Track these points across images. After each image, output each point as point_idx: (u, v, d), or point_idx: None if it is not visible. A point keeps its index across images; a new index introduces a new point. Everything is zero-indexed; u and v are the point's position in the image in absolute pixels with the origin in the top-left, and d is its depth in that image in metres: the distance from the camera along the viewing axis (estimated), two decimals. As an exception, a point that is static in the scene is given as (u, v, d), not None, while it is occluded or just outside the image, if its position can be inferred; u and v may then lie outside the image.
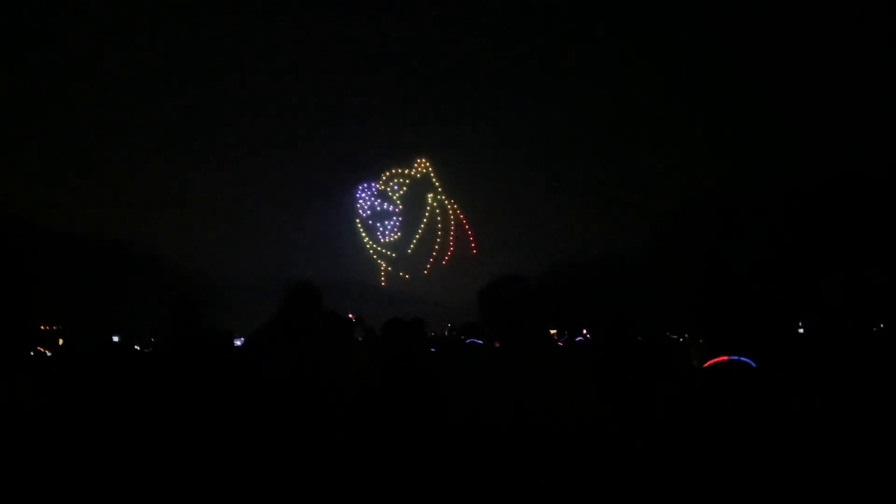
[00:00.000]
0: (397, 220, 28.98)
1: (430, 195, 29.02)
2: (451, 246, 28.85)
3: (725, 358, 2.01)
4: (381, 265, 29.03)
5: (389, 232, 28.99)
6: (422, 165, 28.98)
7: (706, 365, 2.08)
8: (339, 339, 3.46)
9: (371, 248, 28.95)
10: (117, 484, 2.54)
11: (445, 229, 29.03)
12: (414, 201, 28.87)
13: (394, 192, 28.93)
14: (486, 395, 2.04)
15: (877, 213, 18.81)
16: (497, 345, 2.27)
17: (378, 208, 28.94)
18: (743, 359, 1.98)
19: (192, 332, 3.34)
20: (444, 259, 28.87)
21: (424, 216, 28.93)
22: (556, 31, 25.32)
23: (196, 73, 24.44)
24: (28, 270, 16.49)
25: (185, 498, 2.50)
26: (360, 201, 28.93)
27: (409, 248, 28.99)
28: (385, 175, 28.89)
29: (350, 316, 6.25)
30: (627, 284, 18.94)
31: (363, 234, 28.98)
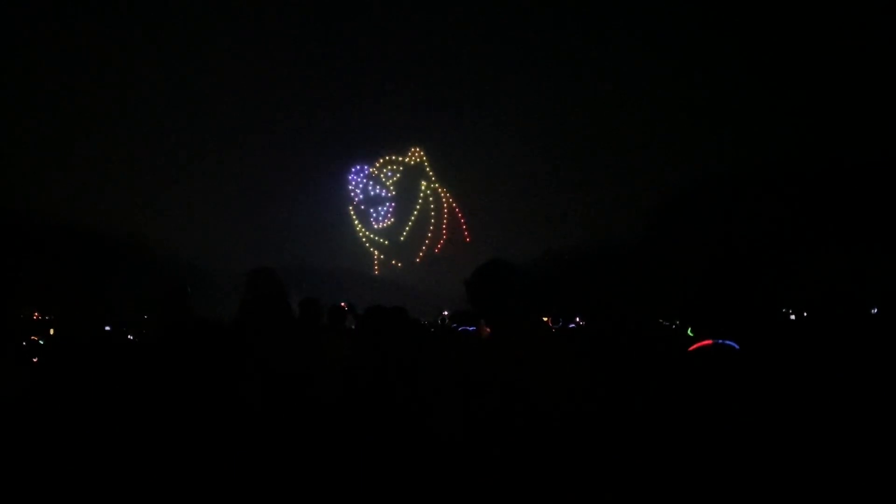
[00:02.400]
0: (390, 205, 28.87)
1: (424, 183, 28.92)
2: (445, 234, 28.82)
3: (710, 342, 2.04)
4: (374, 253, 28.98)
5: (383, 218, 28.89)
6: (416, 154, 28.84)
7: (690, 349, 2.10)
8: (316, 329, 3.41)
9: (364, 235, 28.88)
10: (106, 475, 2.53)
11: (438, 217, 28.97)
12: (407, 189, 28.78)
13: (387, 178, 28.79)
14: (474, 382, 2.05)
15: (871, 198, 18.84)
16: (487, 330, 2.28)
17: (371, 192, 28.79)
18: (727, 342, 2.00)
19: (182, 321, 3.31)
20: (436, 247, 28.84)
21: (417, 204, 28.85)
22: (549, 19, 25.21)
23: (186, 58, 24.24)
24: (17, 260, 16.41)
25: (177, 491, 2.50)
26: (353, 185, 28.79)
27: (402, 235, 28.92)
28: (379, 162, 28.77)
29: (342, 304, 6.24)
30: (621, 271, 18.99)
31: (356, 221, 28.89)
